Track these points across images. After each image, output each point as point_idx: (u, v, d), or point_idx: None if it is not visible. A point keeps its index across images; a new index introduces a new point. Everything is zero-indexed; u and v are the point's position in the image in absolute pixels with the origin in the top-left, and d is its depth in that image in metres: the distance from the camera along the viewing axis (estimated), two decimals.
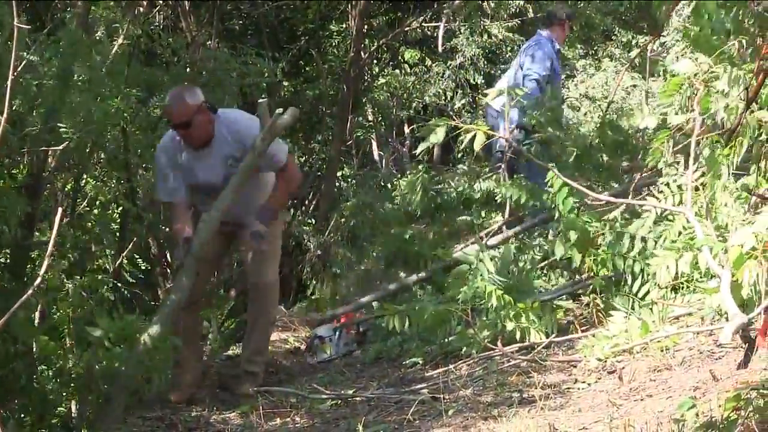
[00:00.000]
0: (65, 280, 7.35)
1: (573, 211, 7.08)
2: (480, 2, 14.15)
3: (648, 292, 6.37)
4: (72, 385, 6.80)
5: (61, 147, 6.51)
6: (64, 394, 6.92)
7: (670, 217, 6.66)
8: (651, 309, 6.11)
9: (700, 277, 6.07)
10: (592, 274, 6.92)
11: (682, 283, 6.19)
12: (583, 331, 6.54)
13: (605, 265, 6.75)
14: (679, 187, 6.61)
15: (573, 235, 7.01)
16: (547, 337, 6.48)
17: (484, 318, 6.80)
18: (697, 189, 6.42)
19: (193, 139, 6.58)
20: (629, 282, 6.59)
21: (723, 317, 5.50)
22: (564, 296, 7.26)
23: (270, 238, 6.80)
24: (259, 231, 6.58)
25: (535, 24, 10.57)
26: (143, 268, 9.69)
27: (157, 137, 7.91)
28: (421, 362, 6.90)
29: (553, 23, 10.04)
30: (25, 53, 6.38)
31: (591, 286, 6.87)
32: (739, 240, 5.15)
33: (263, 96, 11.89)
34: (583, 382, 5.61)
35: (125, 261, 8.77)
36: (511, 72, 10.15)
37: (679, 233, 6.35)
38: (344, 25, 13.37)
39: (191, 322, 6.89)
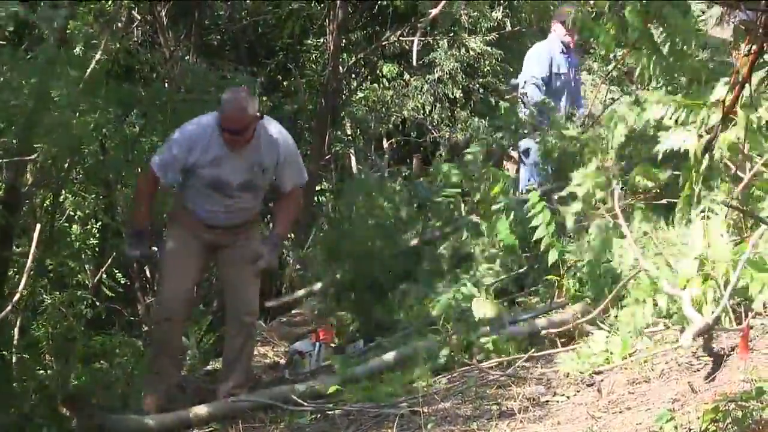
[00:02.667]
0: (44, 295, 7.35)
1: (554, 235, 7.15)
2: (458, 16, 14.15)
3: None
4: (51, 400, 6.80)
5: (35, 158, 6.51)
6: (44, 408, 6.91)
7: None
8: (628, 322, 6.12)
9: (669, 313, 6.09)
10: (569, 295, 7.01)
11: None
12: (562, 345, 6.56)
13: (583, 287, 6.83)
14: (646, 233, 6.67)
15: (552, 257, 7.10)
16: (526, 353, 6.49)
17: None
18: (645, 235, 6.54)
19: (237, 144, 6.58)
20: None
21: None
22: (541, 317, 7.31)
23: (253, 267, 6.87)
24: (264, 255, 6.79)
25: (514, 37, 10.73)
26: (122, 282, 9.67)
27: (136, 154, 7.91)
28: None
29: (554, 26, 10.26)
30: (2, 68, 6.38)
31: (569, 305, 6.95)
32: (683, 266, 5.34)
33: None
34: (562, 394, 5.62)
35: (104, 276, 8.75)
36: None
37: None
38: (322, 40, 13.37)
39: (173, 333, 6.85)
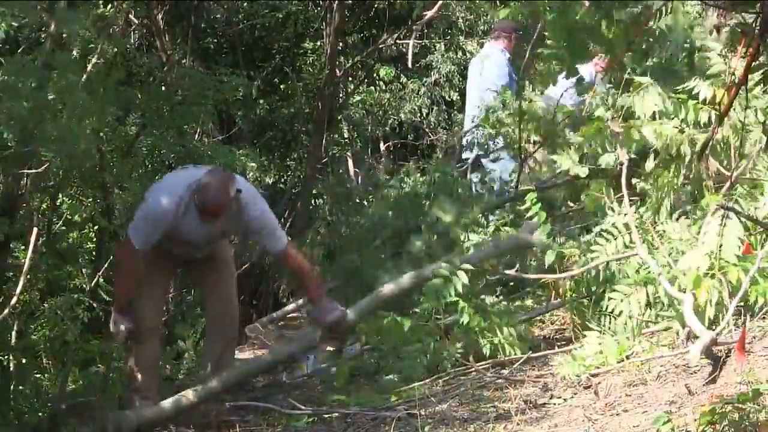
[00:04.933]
0: (41, 299, 7.35)
1: (550, 237, 7.16)
2: (454, 18, 14.17)
3: (621, 312, 6.36)
4: (49, 404, 6.81)
5: (38, 170, 6.51)
6: (41, 413, 6.91)
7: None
8: (625, 325, 6.11)
9: (664, 307, 6.07)
10: (566, 296, 7.01)
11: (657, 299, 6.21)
12: (559, 347, 6.57)
13: (579, 288, 6.83)
14: (626, 225, 6.60)
15: (549, 258, 7.10)
16: (523, 354, 6.49)
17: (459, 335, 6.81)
18: (642, 224, 6.49)
19: (213, 223, 6.46)
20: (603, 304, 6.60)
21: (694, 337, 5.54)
22: (538, 317, 7.31)
23: (229, 269, 6.92)
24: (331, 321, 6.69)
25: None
26: None
27: (133, 157, 7.91)
28: (397, 379, 6.89)
29: (501, 35, 10.53)
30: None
31: (566, 305, 6.94)
32: (689, 263, 5.31)
33: (239, 112, 11.90)
34: (559, 397, 5.63)
35: (101, 280, 8.74)
36: (473, 82, 10.67)
37: (638, 270, 6.31)
38: (319, 43, 13.38)
39: (151, 349, 6.83)
